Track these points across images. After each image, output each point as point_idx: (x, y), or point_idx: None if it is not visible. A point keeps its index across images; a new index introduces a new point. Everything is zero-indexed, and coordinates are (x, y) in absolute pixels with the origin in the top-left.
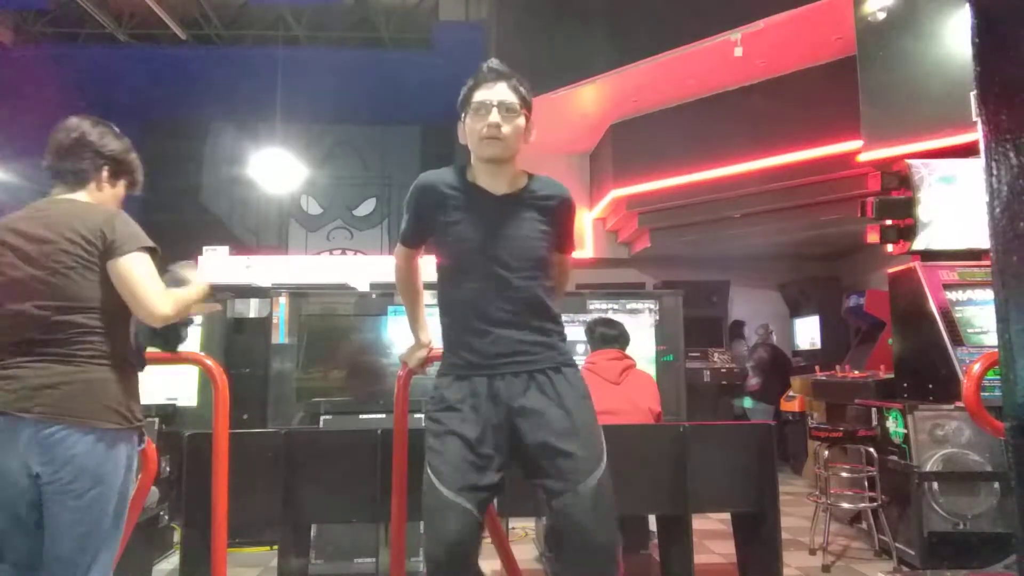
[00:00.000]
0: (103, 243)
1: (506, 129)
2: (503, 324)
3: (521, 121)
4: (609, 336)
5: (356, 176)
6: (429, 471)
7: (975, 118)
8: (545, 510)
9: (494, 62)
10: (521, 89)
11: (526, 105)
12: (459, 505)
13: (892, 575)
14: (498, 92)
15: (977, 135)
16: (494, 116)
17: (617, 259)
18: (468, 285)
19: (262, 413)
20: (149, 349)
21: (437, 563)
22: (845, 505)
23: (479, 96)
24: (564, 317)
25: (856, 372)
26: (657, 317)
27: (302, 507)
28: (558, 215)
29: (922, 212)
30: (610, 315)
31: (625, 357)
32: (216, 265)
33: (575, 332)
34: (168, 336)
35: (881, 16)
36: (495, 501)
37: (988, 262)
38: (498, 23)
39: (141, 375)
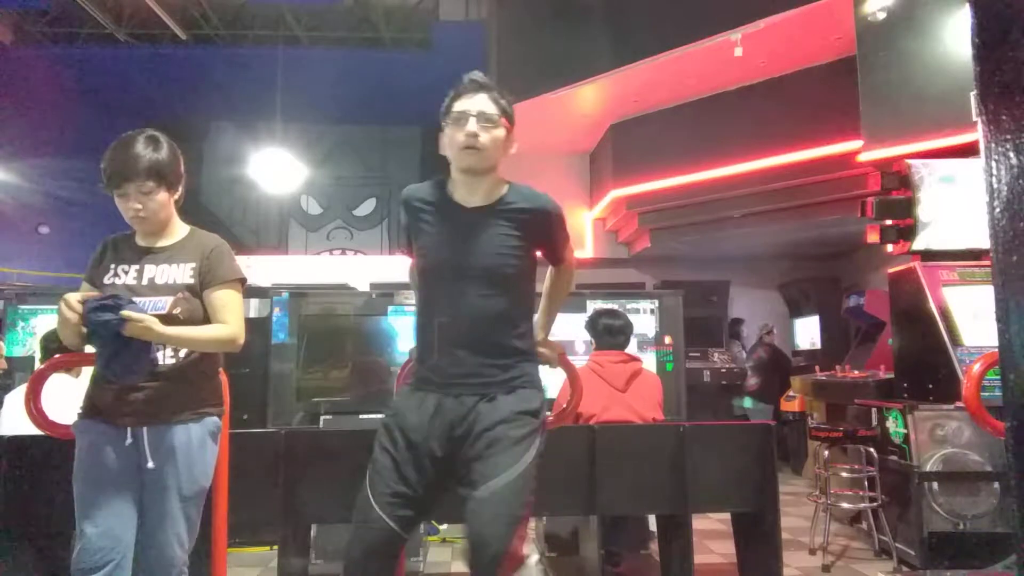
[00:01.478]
0: None
1: (484, 139)
2: (461, 344)
3: (500, 132)
4: (614, 328)
5: (356, 176)
6: (367, 475)
7: (975, 118)
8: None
9: (476, 74)
10: (502, 101)
11: (506, 116)
12: (382, 522)
13: (892, 575)
14: (478, 102)
15: (977, 135)
16: (472, 125)
17: (617, 259)
18: (433, 300)
19: (262, 413)
20: None
21: (350, 567)
22: (845, 505)
23: (458, 106)
24: (564, 316)
25: (856, 372)
26: (657, 317)
27: (302, 507)
28: (536, 227)
29: (922, 212)
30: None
31: (632, 359)
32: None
33: (575, 332)
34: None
35: (881, 16)
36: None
37: (988, 262)
38: (498, 23)
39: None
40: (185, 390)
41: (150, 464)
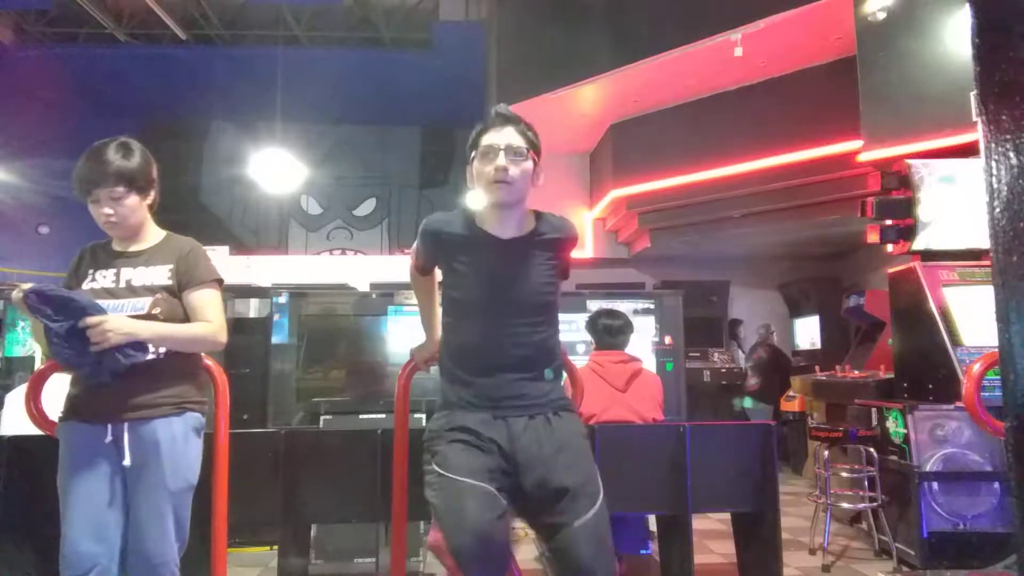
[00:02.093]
0: None
1: (513, 172)
2: (507, 369)
3: (529, 165)
4: (614, 328)
5: (356, 176)
6: (435, 467)
7: (975, 118)
8: (543, 548)
9: (502, 107)
10: (529, 133)
11: (534, 149)
12: (478, 487)
13: (892, 575)
14: (505, 136)
15: (977, 135)
16: (501, 160)
17: (617, 259)
18: (474, 328)
19: (262, 413)
20: None
21: (464, 553)
22: (845, 505)
23: (487, 140)
24: (564, 316)
25: (856, 372)
26: (657, 317)
27: (302, 507)
28: (564, 253)
29: (922, 212)
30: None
31: (632, 359)
32: (216, 265)
33: (575, 332)
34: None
35: (881, 16)
36: None
37: (988, 262)
38: (498, 23)
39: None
40: (163, 386)
41: (126, 461)
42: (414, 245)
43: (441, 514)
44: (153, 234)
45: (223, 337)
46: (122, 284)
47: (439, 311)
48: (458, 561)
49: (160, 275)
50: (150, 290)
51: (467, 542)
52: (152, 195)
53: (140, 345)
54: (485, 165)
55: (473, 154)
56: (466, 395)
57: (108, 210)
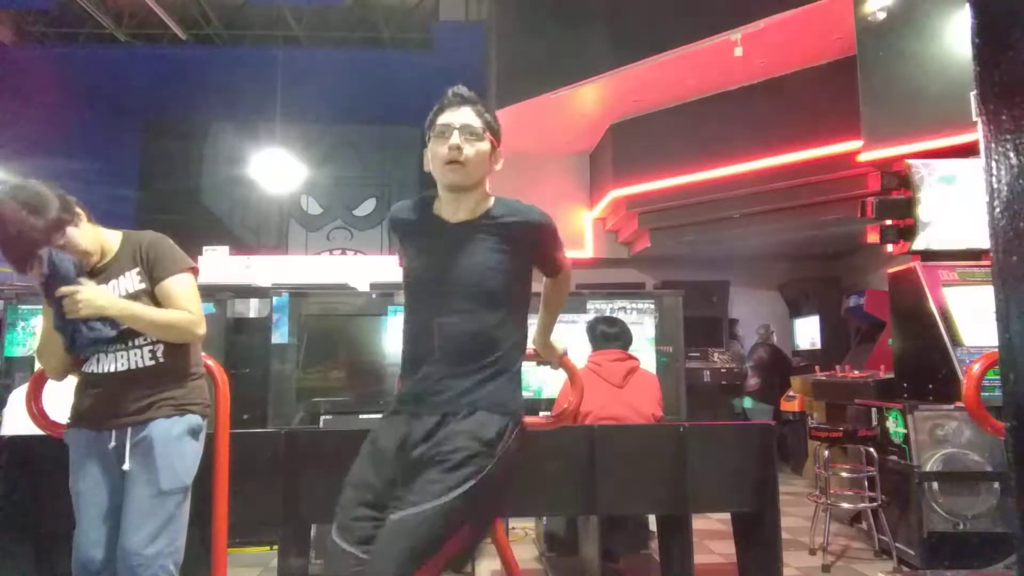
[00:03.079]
0: None
1: (468, 151)
2: (434, 360)
3: (485, 146)
4: (610, 334)
5: (356, 176)
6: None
7: (975, 118)
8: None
9: (460, 87)
10: (487, 115)
11: (491, 131)
12: (347, 552)
13: (892, 575)
14: (461, 115)
15: (977, 135)
16: (455, 138)
17: (617, 259)
18: (413, 317)
19: (262, 413)
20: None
21: None
22: (845, 505)
23: (442, 119)
24: (564, 317)
25: (856, 372)
26: (657, 317)
27: (302, 507)
28: (524, 240)
29: (922, 212)
30: (609, 315)
31: (629, 358)
32: (216, 265)
33: (576, 332)
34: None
35: (881, 16)
36: None
37: (988, 262)
38: (498, 23)
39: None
40: (165, 388)
41: (125, 466)
42: None
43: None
44: (112, 241)
45: (200, 329)
46: None
47: None
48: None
49: (133, 281)
50: (132, 298)
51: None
52: (75, 214)
53: (111, 321)
54: (439, 145)
55: (429, 135)
56: (400, 392)
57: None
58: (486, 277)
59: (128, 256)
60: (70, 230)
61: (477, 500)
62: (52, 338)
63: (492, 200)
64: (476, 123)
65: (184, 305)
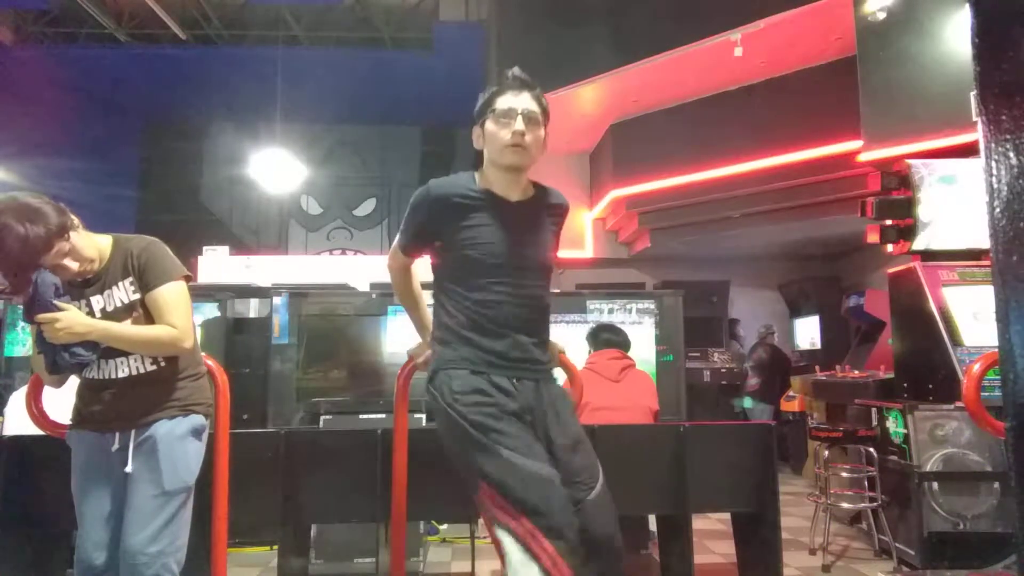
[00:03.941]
0: None
1: (529, 138)
2: (518, 329)
3: (542, 132)
4: (613, 341)
5: (356, 176)
6: (503, 449)
7: (975, 118)
8: None
9: (518, 70)
10: (543, 100)
11: (546, 116)
12: (554, 477)
13: (892, 575)
14: (523, 100)
15: (977, 135)
16: (519, 124)
17: (617, 259)
18: (483, 289)
19: (262, 413)
20: None
21: (565, 534)
22: (845, 505)
23: (504, 103)
24: (564, 317)
25: (856, 372)
26: (657, 317)
27: (302, 507)
28: (561, 222)
29: (922, 212)
30: (609, 316)
31: (624, 357)
32: (216, 265)
33: (576, 332)
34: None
35: (881, 16)
36: None
37: (988, 262)
38: (498, 23)
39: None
40: (168, 390)
41: (128, 468)
42: (401, 230)
43: (520, 495)
44: (104, 248)
45: (187, 342)
46: (97, 315)
47: (427, 312)
48: (539, 518)
49: (126, 292)
50: (128, 308)
51: (564, 507)
52: (70, 223)
53: (92, 345)
54: (501, 128)
55: (486, 115)
56: (480, 356)
57: (65, 268)
58: (550, 254)
59: (119, 264)
60: (73, 236)
61: None
62: (39, 356)
63: (531, 183)
64: (536, 109)
65: (170, 317)
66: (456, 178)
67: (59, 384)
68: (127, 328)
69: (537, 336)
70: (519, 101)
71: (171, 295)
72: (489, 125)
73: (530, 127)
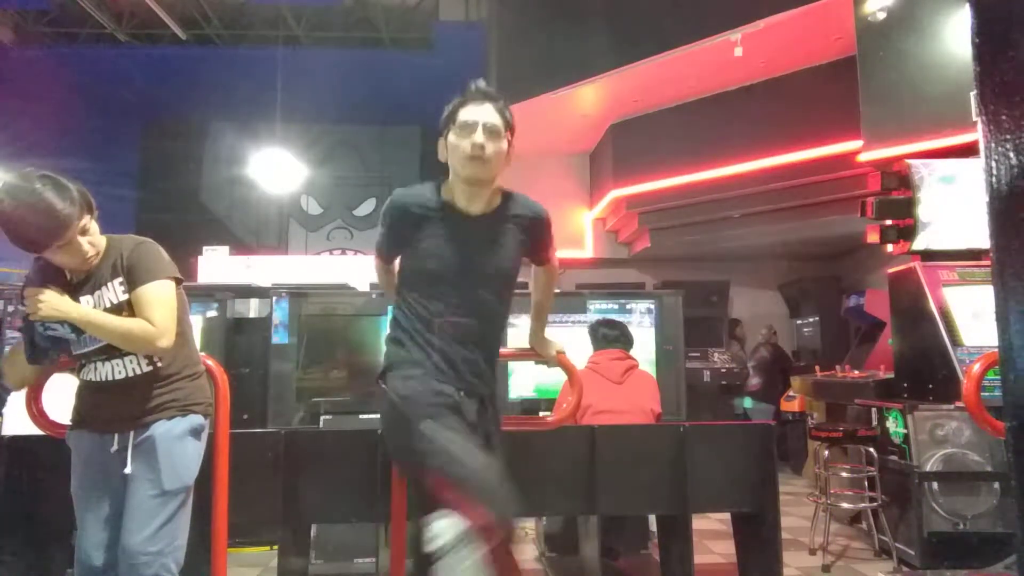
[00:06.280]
0: None
1: (490, 150)
2: (465, 342)
3: (504, 145)
4: (611, 336)
5: (356, 176)
6: (443, 428)
7: (975, 118)
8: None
9: (481, 83)
10: (507, 113)
11: (510, 129)
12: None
13: (892, 575)
14: (485, 112)
15: (977, 135)
16: (479, 136)
17: (617, 259)
18: (434, 299)
19: (262, 413)
20: None
21: (485, 481)
22: (845, 505)
23: (465, 115)
24: (564, 317)
25: (856, 372)
26: (657, 317)
27: (302, 507)
28: (532, 232)
29: (922, 212)
30: (610, 316)
31: (628, 357)
32: (216, 265)
33: (576, 332)
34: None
35: (881, 16)
36: None
37: (988, 262)
38: (498, 23)
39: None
40: (167, 391)
41: (127, 469)
42: (378, 235)
43: (451, 457)
44: (99, 247)
45: (163, 340)
46: None
47: None
48: (472, 491)
49: (115, 293)
50: (119, 308)
51: (496, 481)
52: (87, 216)
53: (71, 326)
54: (462, 139)
55: (448, 127)
56: (431, 361)
57: (86, 251)
58: (509, 268)
59: (110, 265)
60: (92, 222)
61: None
62: (18, 350)
63: (501, 194)
64: (497, 121)
65: (149, 313)
66: (421, 188)
67: (22, 386)
68: (106, 316)
69: (487, 349)
70: (481, 113)
71: (154, 293)
72: (451, 137)
73: (491, 139)
